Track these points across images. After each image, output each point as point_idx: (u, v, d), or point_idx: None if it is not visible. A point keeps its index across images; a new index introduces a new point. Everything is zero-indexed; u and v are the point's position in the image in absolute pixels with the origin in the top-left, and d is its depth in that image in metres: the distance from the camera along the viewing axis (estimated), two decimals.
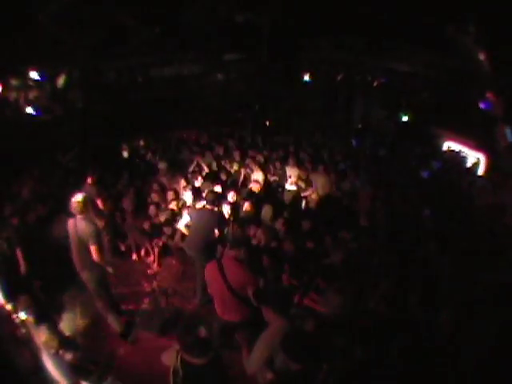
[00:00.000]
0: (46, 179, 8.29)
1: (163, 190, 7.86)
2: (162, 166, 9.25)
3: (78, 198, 4.78)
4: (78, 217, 4.83)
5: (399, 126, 11.51)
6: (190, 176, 8.54)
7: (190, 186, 7.63)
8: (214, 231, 5.94)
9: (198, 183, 8.19)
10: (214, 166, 9.35)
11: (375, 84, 11.78)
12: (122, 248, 7.39)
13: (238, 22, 12.32)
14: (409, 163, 9.98)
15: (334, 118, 13.09)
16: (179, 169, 9.10)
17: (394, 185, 8.45)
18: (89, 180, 7.16)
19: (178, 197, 7.51)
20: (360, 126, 12.86)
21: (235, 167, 9.18)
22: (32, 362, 3.87)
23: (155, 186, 8.03)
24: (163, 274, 6.98)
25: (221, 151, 10.13)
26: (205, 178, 8.43)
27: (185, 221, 6.42)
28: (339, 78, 12.53)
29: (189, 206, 7.15)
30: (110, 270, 5.11)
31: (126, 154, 10.52)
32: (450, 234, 6.34)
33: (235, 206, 7.03)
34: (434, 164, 9.49)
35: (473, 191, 8.23)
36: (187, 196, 7.48)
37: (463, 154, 9.68)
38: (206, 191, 6.67)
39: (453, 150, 9.96)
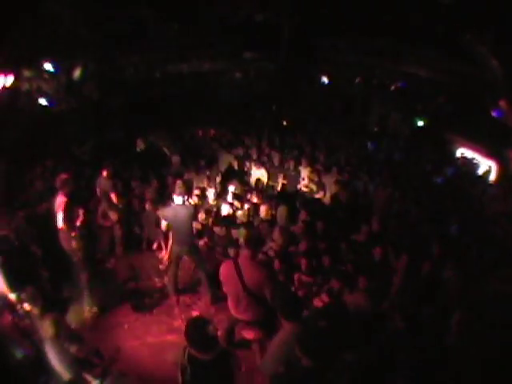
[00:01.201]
0: (60, 171, 8.31)
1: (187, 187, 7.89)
2: (175, 160, 9.31)
3: (62, 176, 5.43)
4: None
5: (414, 131, 11.56)
6: (210, 175, 8.57)
7: (211, 184, 7.74)
8: (192, 225, 6.06)
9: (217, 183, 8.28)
10: (236, 165, 9.41)
11: (392, 88, 11.84)
12: (135, 242, 7.40)
13: (258, 21, 12.43)
14: (423, 168, 10.03)
15: (351, 120, 13.13)
16: (203, 166, 9.10)
17: (408, 189, 8.50)
18: (104, 173, 7.08)
19: (203, 194, 7.50)
20: (376, 129, 12.90)
21: (253, 167, 9.28)
22: (35, 354, 3.81)
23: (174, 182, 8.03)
24: None
25: (241, 151, 10.16)
26: (228, 178, 8.48)
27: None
28: (357, 80, 12.62)
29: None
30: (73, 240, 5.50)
31: (140, 149, 10.51)
32: (461, 241, 6.46)
33: (254, 207, 7.18)
34: (448, 170, 9.55)
35: (484, 199, 8.29)
36: (210, 194, 7.63)
37: (476, 162, 9.72)
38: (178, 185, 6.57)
39: (466, 157, 10.00)
